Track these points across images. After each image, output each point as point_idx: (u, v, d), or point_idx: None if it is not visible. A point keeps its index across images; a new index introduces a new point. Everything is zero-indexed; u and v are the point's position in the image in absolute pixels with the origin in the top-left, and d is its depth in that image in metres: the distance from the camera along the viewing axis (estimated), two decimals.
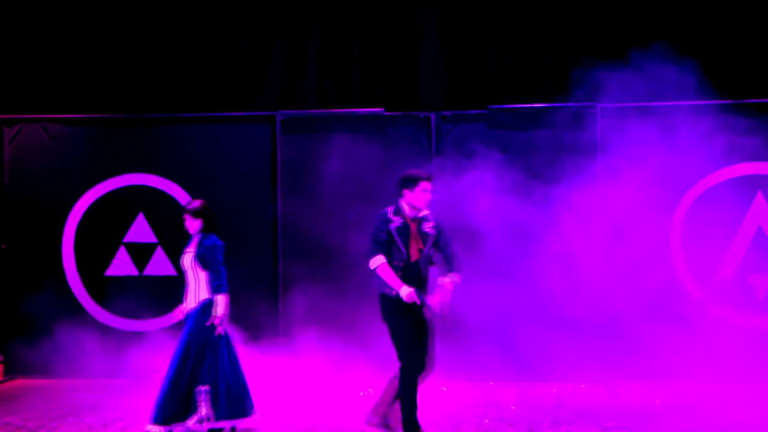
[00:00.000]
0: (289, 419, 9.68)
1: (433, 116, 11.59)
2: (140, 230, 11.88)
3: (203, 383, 8.43)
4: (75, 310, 11.68)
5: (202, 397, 8.41)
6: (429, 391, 10.68)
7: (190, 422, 8.41)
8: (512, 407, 9.97)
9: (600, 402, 10.14)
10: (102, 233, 11.76)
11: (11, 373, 11.89)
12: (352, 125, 11.73)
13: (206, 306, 8.60)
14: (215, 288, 8.61)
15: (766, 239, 11.09)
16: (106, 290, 11.75)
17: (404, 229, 8.25)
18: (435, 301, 8.22)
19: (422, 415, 9.55)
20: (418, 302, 8.10)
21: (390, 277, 8.11)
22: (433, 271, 8.43)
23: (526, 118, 11.30)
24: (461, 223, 11.03)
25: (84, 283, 11.76)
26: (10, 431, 9.13)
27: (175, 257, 11.79)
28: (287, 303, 11.68)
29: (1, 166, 12.05)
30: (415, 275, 8.23)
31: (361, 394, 10.77)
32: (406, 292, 8.04)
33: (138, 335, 11.76)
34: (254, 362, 11.47)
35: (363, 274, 11.11)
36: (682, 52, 10.58)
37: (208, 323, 8.52)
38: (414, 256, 8.23)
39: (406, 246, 8.23)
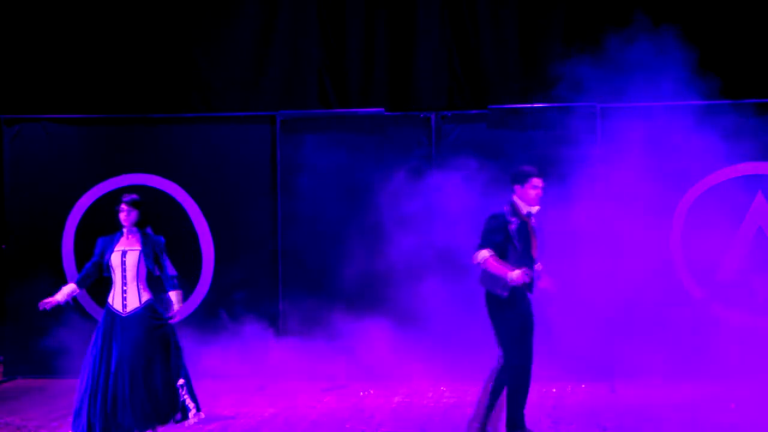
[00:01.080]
0: (291, 415, 9.73)
1: (433, 116, 11.61)
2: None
3: (178, 377, 8.37)
4: (75, 310, 11.57)
5: (184, 390, 8.36)
6: (429, 391, 10.88)
7: (191, 420, 8.41)
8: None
9: (600, 402, 10.16)
10: (101, 234, 11.78)
11: (11, 373, 11.93)
12: (352, 125, 11.77)
13: (153, 306, 8.49)
14: (172, 284, 8.56)
15: (767, 239, 11.12)
16: (104, 292, 11.77)
17: (523, 229, 8.08)
18: (546, 282, 8.23)
19: (423, 414, 9.79)
20: (528, 280, 7.87)
21: (497, 268, 7.88)
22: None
23: (526, 118, 11.31)
24: (462, 223, 11.09)
25: None
26: (11, 431, 9.17)
27: (174, 257, 11.82)
28: (287, 301, 11.69)
29: (1, 165, 12.09)
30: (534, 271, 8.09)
31: (361, 393, 10.82)
32: (515, 275, 7.80)
33: None
34: (254, 358, 11.62)
35: (363, 272, 11.29)
36: (683, 53, 10.59)
37: (166, 318, 8.47)
38: (535, 253, 8.12)
39: (527, 247, 8.07)
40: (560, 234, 10.72)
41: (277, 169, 11.77)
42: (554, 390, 10.59)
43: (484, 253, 7.93)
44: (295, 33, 12.73)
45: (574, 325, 10.64)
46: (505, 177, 10.83)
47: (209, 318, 11.78)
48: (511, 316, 8.11)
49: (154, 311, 8.44)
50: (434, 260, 11.41)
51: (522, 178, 8.14)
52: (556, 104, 11.25)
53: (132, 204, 8.56)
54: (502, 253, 7.97)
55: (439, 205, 11.39)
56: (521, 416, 8.21)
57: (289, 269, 11.71)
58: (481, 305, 10.90)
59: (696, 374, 10.76)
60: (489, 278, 8.07)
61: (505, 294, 7.99)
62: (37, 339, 11.60)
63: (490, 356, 11.00)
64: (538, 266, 8.17)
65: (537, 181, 8.12)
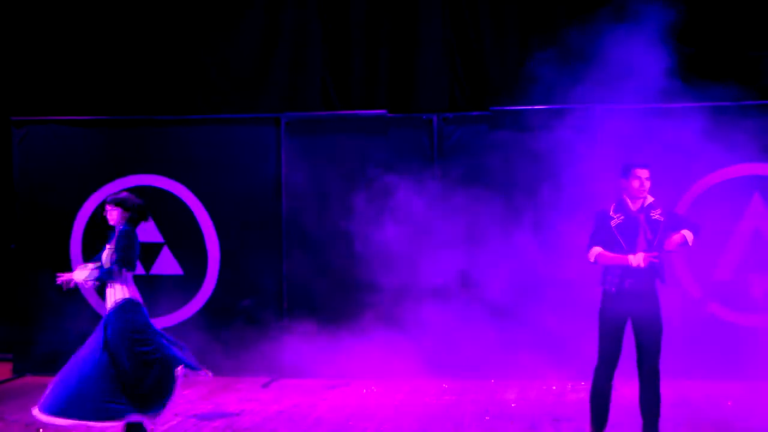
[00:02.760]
0: (295, 412, 9.78)
1: (435, 118, 11.58)
2: (147, 230, 11.78)
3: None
4: (83, 308, 11.69)
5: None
6: (431, 388, 10.91)
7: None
8: (513, 404, 10.03)
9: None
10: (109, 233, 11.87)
11: (20, 371, 11.95)
12: (355, 127, 11.76)
13: (125, 305, 8.57)
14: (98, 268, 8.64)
15: (764, 239, 11.12)
16: None
17: (628, 224, 8.01)
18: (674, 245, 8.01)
19: (425, 412, 9.83)
20: (650, 261, 7.84)
21: (610, 258, 7.92)
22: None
23: (527, 119, 11.25)
24: (463, 223, 11.28)
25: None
26: (20, 428, 9.23)
27: (180, 257, 11.96)
28: (291, 298, 11.71)
29: (10, 166, 12.14)
30: (641, 269, 7.96)
31: (364, 391, 10.88)
32: (636, 259, 7.82)
33: None
34: (259, 355, 11.67)
35: (364, 268, 11.33)
36: (681, 56, 10.52)
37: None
38: (642, 248, 7.97)
39: (631, 241, 7.99)
40: (557, 234, 10.81)
41: (282, 169, 11.75)
42: (554, 387, 10.66)
43: (594, 250, 8.02)
44: (299, 37, 12.77)
45: (573, 323, 10.62)
46: (507, 178, 11.14)
47: (215, 315, 11.81)
48: (607, 317, 8.17)
49: (125, 311, 8.50)
50: (436, 258, 11.39)
51: (626, 171, 8.06)
52: (554, 106, 11.18)
53: (113, 203, 8.60)
54: (614, 246, 7.98)
55: (441, 206, 11.42)
56: (602, 413, 8.35)
57: (292, 265, 11.70)
58: (482, 304, 11.11)
59: (694, 372, 10.76)
60: (602, 275, 8.14)
61: (613, 290, 8.02)
62: (45, 338, 11.67)
63: (484, 354, 11.20)
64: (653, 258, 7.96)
65: (640, 171, 8.00)
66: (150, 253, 11.90)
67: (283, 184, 11.75)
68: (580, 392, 10.44)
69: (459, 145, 11.51)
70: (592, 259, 8.10)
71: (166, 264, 11.94)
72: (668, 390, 10.35)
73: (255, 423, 9.44)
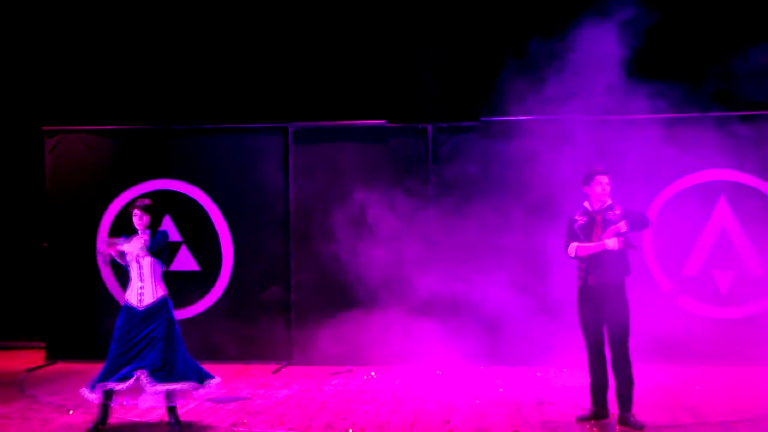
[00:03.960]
0: (303, 396, 9.80)
1: (430, 127, 11.58)
2: (167, 230, 11.70)
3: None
4: (108, 301, 11.71)
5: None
6: (425, 374, 10.90)
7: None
8: (500, 389, 10.03)
9: (580, 384, 9.97)
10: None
11: (53, 357, 11.96)
12: (357, 135, 11.74)
13: (166, 300, 8.57)
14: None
15: (728, 238, 11.12)
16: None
17: (589, 224, 8.27)
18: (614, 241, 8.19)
19: (420, 396, 9.79)
20: (622, 231, 8.10)
21: (589, 248, 8.18)
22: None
23: (514, 129, 11.21)
24: (456, 225, 11.28)
25: (116, 277, 11.77)
26: (52, 409, 9.24)
27: (197, 254, 11.94)
28: (298, 291, 11.71)
29: (42, 172, 12.13)
30: (602, 260, 8.18)
31: (365, 377, 10.86)
32: (611, 243, 8.10)
33: None
34: (269, 344, 11.70)
35: (365, 266, 11.28)
36: (655, 71, 10.63)
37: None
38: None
39: (589, 238, 8.23)
40: (541, 234, 10.79)
41: (289, 174, 11.74)
42: (539, 374, 10.67)
43: (572, 246, 8.30)
44: (305, 53, 12.81)
45: (556, 315, 10.66)
46: (495, 182, 11.14)
47: (229, 308, 11.82)
48: (582, 309, 8.39)
49: (166, 304, 8.51)
50: (431, 252, 11.42)
51: (587, 179, 8.36)
52: (541, 117, 11.15)
53: (146, 209, 8.61)
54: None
55: (436, 204, 11.43)
56: (598, 396, 8.46)
57: (299, 262, 11.68)
58: (473, 297, 11.05)
59: (665, 359, 10.78)
60: (576, 270, 8.38)
61: (583, 283, 8.28)
62: (75, 326, 11.73)
63: (475, 342, 11.16)
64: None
65: (600, 178, 8.29)
66: (170, 251, 11.74)
67: (290, 187, 11.74)
68: (562, 378, 10.50)
69: (452, 151, 11.51)
70: (572, 254, 8.31)
71: (184, 261, 11.96)
72: (643, 375, 10.31)
73: (265, 406, 9.43)
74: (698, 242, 11.19)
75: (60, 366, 11.59)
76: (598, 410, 8.48)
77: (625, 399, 8.36)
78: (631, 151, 10.84)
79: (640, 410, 8.81)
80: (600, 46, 10.53)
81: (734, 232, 11.14)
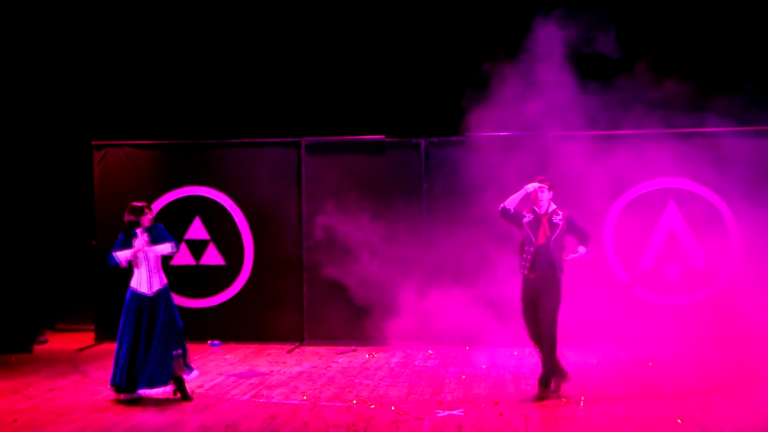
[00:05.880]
0: (314, 372, 9.80)
1: (423, 142, 11.55)
2: (197, 230, 11.94)
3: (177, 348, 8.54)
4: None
5: (180, 360, 8.55)
6: (420, 354, 10.87)
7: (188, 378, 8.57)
8: (483, 366, 10.04)
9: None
10: (168, 232, 11.83)
11: (100, 338, 11.98)
12: (359, 148, 11.73)
13: (168, 288, 8.67)
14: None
15: (677, 237, 11.12)
16: (171, 276, 11.81)
17: (535, 222, 8.40)
18: (571, 258, 8.49)
19: (414, 372, 9.77)
20: (581, 252, 8.45)
21: (515, 196, 8.47)
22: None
23: (495, 143, 11.13)
24: (445, 226, 11.30)
25: None
26: (100, 383, 9.31)
27: (223, 251, 11.89)
28: (310, 282, 11.66)
29: (91, 180, 12.15)
30: (544, 256, 8.33)
31: (367, 356, 10.84)
32: (531, 186, 8.43)
33: (196, 311, 11.81)
34: (285, 327, 11.62)
35: (367, 261, 11.28)
36: (615, 91, 10.48)
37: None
38: (541, 241, 8.35)
39: (535, 234, 8.36)
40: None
41: (302, 181, 11.73)
42: (515, 353, 10.65)
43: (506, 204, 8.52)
44: (316, 80, 12.80)
45: None
46: (479, 190, 10.87)
47: (250, 296, 11.80)
48: (522, 294, 8.52)
49: (168, 290, 8.65)
50: (424, 248, 11.41)
51: (532, 185, 8.51)
52: (517, 132, 11.10)
53: (151, 210, 8.79)
54: (525, 240, 8.41)
55: (428, 208, 11.43)
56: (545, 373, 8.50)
57: (310, 259, 11.65)
58: (464, 289, 10.99)
59: (622, 341, 10.83)
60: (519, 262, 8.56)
61: (525, 273, 8.45)
62: (119, 312, 11.70)
63: (460, 326, 11.08)
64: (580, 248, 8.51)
65: (541, 187, 8.46)
66: (200, 247, 11.93)
67: (303, 193, 11.73)
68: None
69: (442, 163, 11.49)
70: (503, 205, 8.53)
71: (212, 256, 11.96)
72: (604, 355, 10.41)
73: (282, 381, 9.46)
74: (651, 241, 11.19)
75: (106, 346, 11.57)
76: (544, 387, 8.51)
77: (545, 378, 8.44)
78: (595, 163, 10.80)
79: (602, 384, 8.91)
80: (565, 70, 10.54)
81: (682, 231, 11.15)
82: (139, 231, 8.65)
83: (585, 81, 10.47)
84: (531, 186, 8.45)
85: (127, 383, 8.34)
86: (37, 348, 11.65)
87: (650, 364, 9.99)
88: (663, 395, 8.45)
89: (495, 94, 11.39)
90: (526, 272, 8.41)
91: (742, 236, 10.96)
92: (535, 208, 8.48)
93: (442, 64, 12.54)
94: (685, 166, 10.96)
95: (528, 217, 8.48)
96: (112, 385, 8.44)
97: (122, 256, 8.57)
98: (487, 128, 11.08)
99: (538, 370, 8.57)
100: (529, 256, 8.38)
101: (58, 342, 12.17)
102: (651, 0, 11.78)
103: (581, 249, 8.55)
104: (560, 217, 8.46)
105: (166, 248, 8.67)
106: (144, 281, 8.53)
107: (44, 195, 12.31)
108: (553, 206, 8.50)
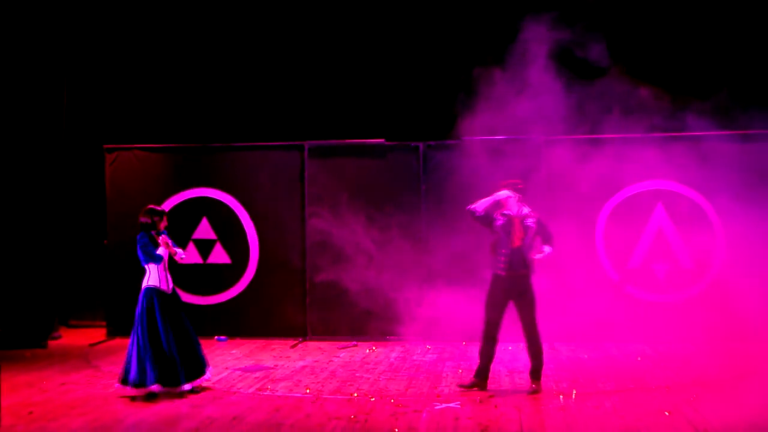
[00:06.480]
0: (316, 366, 9.78)
1: (421, 145, 11.55)
2: (204, 230, 11.94)
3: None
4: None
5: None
6: (418, 348, 10.87)
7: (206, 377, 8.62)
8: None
9: (545, 356, 9.80)
10: (176, 232, 11.52)
11: (112, 334, 11.97)
12: (360, 152, 11.72)
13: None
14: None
15: (665, 237, 11.13)
16: (179, 274, 11.72)
17: (508, 224, 8.40)
18: (539, 259, 8.48)
19: (413, 366, 9.77)
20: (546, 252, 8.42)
21: (483, 204, 8.48)
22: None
23: (491, 146, 11.13)
24: (442, 225, 11.30)
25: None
26: (112, 377, 9.25)
27: (229, 249, 11.88)
28: (313, 280, 11.65)
29: (103, 182, 12.14)
30: (520, 257, 8.35)
31: (367, 351, 10.83)
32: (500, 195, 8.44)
33: (203, 308, 11.80)
34: (289, 323, 11.57)
35: (367, 259, 11.26)
36: (606, 97, 10.49)
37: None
38: (516, 243, 8.37)
39: (509, 235, 8.37)
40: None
41: (305, 184, 11.71)
42: (510, 348, 10.58)
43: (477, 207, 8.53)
44: (318, 87, 12.82)
45: None
46: (474, 191, 10.76)
47: (255, 293, 11.78)
48: (495, 291, 8.53)
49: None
50: (421, 246, 11.37)
51: (499, 188, 8.55)
52: (512, 137, 11.12)
53: (166, 216, 8.89)
54: (498, 241, 8.41)
55: (426, 209, 11.43)
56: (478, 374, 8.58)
57: (313, 259, 11.65)
58: (459, 285, 10.91)
59: (613, 336, 10.82)
60: (492, 262, 8.56)
61: (496, 273, 8.47)
62: (131, 308, 11.49)
63: (457, 321, 11.00)
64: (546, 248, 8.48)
65: (504, 189, 8.47)
66: (207, 247, 11.93)
67: (305, 194, 11.71)
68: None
69: (439, 166, 11.49)
70: (470, 207, 8.57)
71: (219, 255, 11.96)
72: (595, 350, 10.42)
73: (285, 374, 9.47)
74: (640, 240, 11.20)
75: (118, 341, 11.62)
76: (480, 381, 8.54)
77: (536, 371, 8.48)
78: (586, 165, 10.81)
79: (593, 378, 8.91)
80: (557, 75, 10.49)
81: (669, 232, 11.16)
82: (153, 232, 8.68)
83: (576, 86, 10.44)
84: (503, 194, 8.44)
85: (162, 377, 8.30)
86: (51, 343, 11.68)
87: (639, 359, 9.99)
88: (651, 389, 8.47)
89: (490, 99, 11.31)
90: (501, 273, 8.41)
91: (727, 236, 10.97)
92: (507, 212, 8.47)
93: (439, 71, 12.55)
94: (673, 168, 10.96)
95: (501, 220, 8.47)
96: (139, 384, 8.30)
97: (163, 252, 8.61)
98: (482, 132, 11.08)
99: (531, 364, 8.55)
100: (504, 258, 8.38)
101: (71, 338, 12.18)
102: (640, 5, 11.76)
103: (546, 248, 8.53)
104: (532, 219, 8.46)
105: (181, 251, 8.81)
106: (163, 278, 8.57)
107: (58, 196, 12.36)
108: (526, 209, 8.50)
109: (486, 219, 8.51)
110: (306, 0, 12.82)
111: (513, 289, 8.40)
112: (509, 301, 8.48)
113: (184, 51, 12.95)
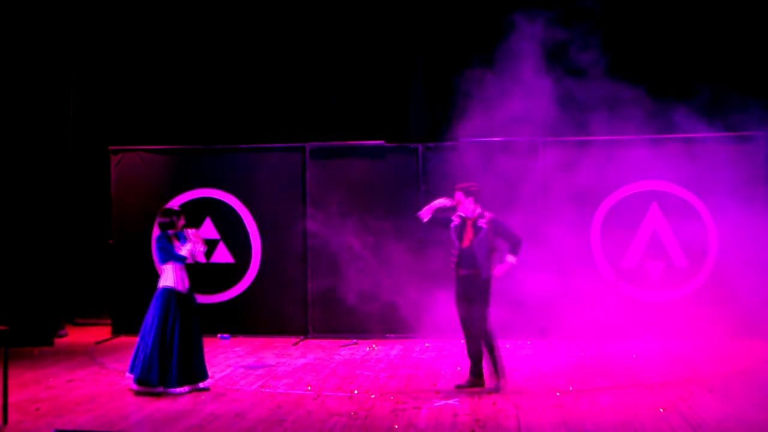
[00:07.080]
0: (318, 363, 9.79)
1: (420, 147, 11.56)
2: (207, 230, 11.89)
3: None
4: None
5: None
6: (418, 346, 10.87)
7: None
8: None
9: (541, 354, 10.18)
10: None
11: (117, 332, 11.98)
12: (361, 153, 11.71)
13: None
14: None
15: (659, 237, 11.13)
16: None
17: (461, 226, 8.40)
18: (498, 270, 8.41)
19: (412, 363, 9.77)
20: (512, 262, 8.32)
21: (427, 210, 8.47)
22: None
23: (488, 148, 11.13)
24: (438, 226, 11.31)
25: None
26: (117, 374, 9.30)
27: (232, 249, 11.88)
28: (314, 279, 11.65)
29: (108, 183, 12.15)
30: (468, 257, 8.32)
31: (368, 348, 10.84)
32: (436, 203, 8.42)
33: (206, 306, 11.62)
34: (291, 320, 11.56)
35: (368, 258, 11.26)
36: (603, 101, 10.47)
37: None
38: (465, 244, 8.35)
39: (459, 238, 8.38)
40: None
41: (306, 184, 11.70)
42: (507, 345, 10.49)
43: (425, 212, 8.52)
44: (319, 88, 12.82)
45: (522, 300, 10.55)
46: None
47: (258, 292, 11.78)
48: (455, 291, 8.52)
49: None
50: (420, 245, 11.37)
51: (454, 191, 8.51)
52: (510, 138, 11.11)
53: (183, 215, 8.77)
54: (451, 243, 8.40)
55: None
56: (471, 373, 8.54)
57: (314, 260, 11.64)
58: (453, 283, 10.97)
59: (608, 334, 10.77)
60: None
61: (454, 273, 8.46)
62: (135, 306, 11.49)
63: (454, 319, 11.03)
64: (509, 258, 8.40)
65: (458, 194, 8.45)
66: (209, 246, 11.80)
67: (307, 195, 11.71)
68: (526, 349, 10.49)
69: (437, 167, 11.47)
70: (418, 214, 8.58)
71: (222, 255, 11.95)
72: (591, 347, 10.41)
73: (287, 372, 9.46)
74: (635, 239, 11.20)
75: (123, 339, 11.62)
76: (475, 379, 8.48)
77: (474, 368, 8.49)
78: (582, 166, 10.84)
79: (588, 375, 8.91)
80: (555, 77, 10.47)
81: (664, 231, 11.16)
82: (171, 232, 8.58)
83: (572, 88, 10.43)
84: (439, 201, 8.43)
85: (179, 378, 8.28)
86: (58, 341, 11.66)
87: (634, 356, 9.99)
88: (646, 386, 8.47)
89: (488, 102, 11.32)
90: (454, 272, 8.45)
91: (720, 234, 10.97)
92: (461, 213, 8.46)
93: (438, 73, 12.53)
94: (668, 169, 10.98)
95: (455, 221, 8.47)
96: (148, 382, 8.25)
97: (188, 251, 8.51)
98: (481, 134, 11.07)
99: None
100: (454, 258, 8.41)
101: (77, 335, 12.17)
102: (638, 7, 11.77)
103: (510, 258, 8.42)
104: (485, 220, 8.40)
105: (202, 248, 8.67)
106: (179, 279, 8.50)
107: (64, 197, 12.35)
108: (479, 210, 8.46)
109: (441, 222, 8.53)
110: (307, 3, 12.82)
111: (461, 287, 8.41)
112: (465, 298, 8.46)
113: (189, 54, 12.95)
